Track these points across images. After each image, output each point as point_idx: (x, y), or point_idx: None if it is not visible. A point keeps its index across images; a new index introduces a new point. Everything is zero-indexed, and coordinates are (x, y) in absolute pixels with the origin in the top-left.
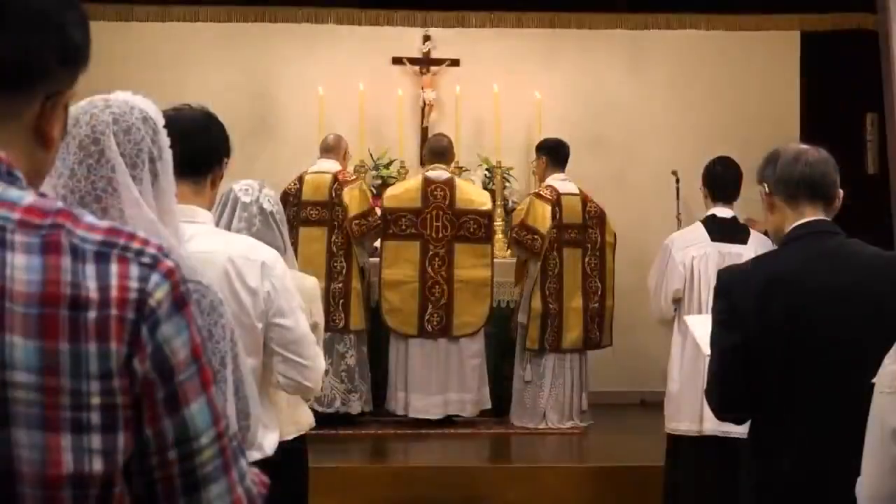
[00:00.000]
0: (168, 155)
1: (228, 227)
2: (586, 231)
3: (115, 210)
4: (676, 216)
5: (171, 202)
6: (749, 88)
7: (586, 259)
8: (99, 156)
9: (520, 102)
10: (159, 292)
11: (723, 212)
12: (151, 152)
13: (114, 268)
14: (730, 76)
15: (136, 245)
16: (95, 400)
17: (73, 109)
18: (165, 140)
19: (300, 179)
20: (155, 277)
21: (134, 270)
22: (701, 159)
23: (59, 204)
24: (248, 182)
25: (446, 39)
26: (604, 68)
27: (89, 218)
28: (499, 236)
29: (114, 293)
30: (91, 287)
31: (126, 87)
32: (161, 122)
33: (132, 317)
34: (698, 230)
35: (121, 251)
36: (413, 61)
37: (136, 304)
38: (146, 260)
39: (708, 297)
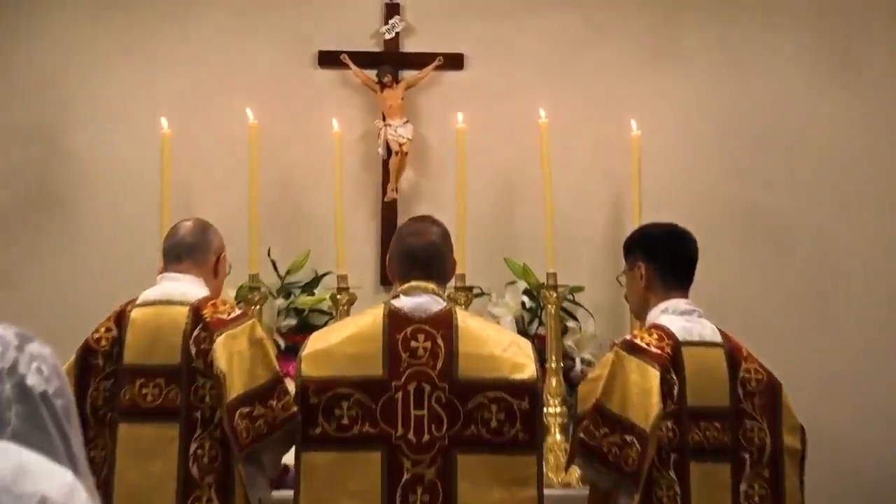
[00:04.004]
0: None
1: None
2: (741, 423)
3: None
4: None
5: None
6: None
7: (743, 485)
8: None
9: (596, 144)
10: None
11: None
12: None
13: None
14: None
15: None
16: None
17: None
18: None
19: (120, 318)
20: None
21: None
22: None
23: None
24: None
25: (432, 12)
26: (769, 71)
27: None
28: (556, 438)
29: None
30: None
31: None
32: None
33: None
34: None
35: None
36: (364, 59)
37: None
38: None
39: None
